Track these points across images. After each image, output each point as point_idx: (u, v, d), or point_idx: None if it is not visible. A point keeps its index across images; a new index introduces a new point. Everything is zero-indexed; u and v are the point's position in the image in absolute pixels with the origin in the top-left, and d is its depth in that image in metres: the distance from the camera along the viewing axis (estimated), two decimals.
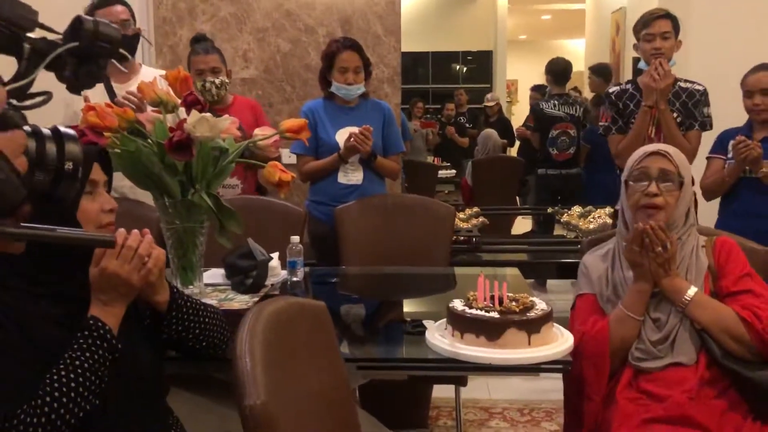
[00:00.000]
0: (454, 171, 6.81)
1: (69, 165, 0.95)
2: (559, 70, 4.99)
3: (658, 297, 1.75)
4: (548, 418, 3.04)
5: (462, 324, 1.56)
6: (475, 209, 4.01)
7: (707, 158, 2.91)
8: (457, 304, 1.61)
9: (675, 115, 2.81)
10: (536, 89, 6.58)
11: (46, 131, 0.94)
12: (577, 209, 3.99)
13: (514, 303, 1.58)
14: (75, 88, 1.01)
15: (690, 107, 2.83)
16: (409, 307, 2.23)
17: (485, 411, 3.11)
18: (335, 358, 1.33)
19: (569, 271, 3.70)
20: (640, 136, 2.82)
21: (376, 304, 2.24)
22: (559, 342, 1.57)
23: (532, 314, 1.55)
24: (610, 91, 2.99)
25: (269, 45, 3.87)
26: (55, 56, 0.96)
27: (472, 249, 3.33)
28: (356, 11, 3.84)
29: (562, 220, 3.91)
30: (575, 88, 6.92)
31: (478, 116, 8.28)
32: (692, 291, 1.71)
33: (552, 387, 2.74)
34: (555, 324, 1.62)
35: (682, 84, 2.85)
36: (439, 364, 1.55)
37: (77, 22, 0.99)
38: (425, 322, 1.71)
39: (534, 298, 1.64)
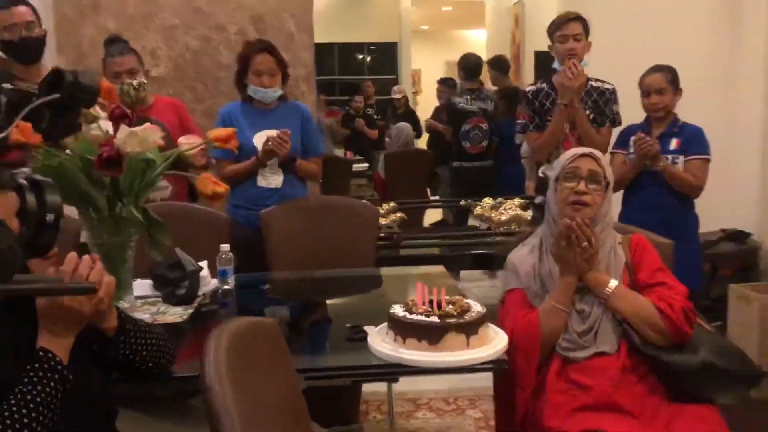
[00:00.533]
0: (366, 164, 6.86)
1: (50, 216, 0.93)
2: (470, 65, 5.13)
3: (582, 290, 1.87)
4: (472, 405, 3.16)
5: (404, 329, 1.61)
6: (392, 204, 4.08)
7: (610, 153, 3.09)
8: (398, 310, 1.67)
9: (588, 112, 2.96)
10: (444, 82, 6.71)
11: (23, 181, 0.91)
12: (488, 201, 4.13)
13: (451, 306, 1.65)
14: (51, 138, 0.98)
15: (601, 105, 2.99)
16: (344, 311, 2.27)
17: (412, 402, 3.19)
18: (290, 371, 1.36)
19: (483, 262, 3.87)
20: (557, 133, 2.96)
21: (312, 309, 2.26)
22: (495, 342, 1.65)
23: (469, 317, 1.62)
24: (527, 90, 3.12)
25: (178, 43, 3.77)
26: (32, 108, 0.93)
27: (394, 245, 3.41)
28: (269, 9, 3.80)
29: (475, 212, 4.05)
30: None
31: (386, 108, 8.37)
32: (613, 284, 1.84)
33: (475, 375, 2.86)
34: (489, 324, 1.70)
35: (594, 83, 3.00)
36: (384, 369, 1.60)
37: (57, 75, 0.95)
38: (366, 328, 1.75)
39: (468, 300, 1.71)
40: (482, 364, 1.58)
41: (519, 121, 3.16)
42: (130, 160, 1.71)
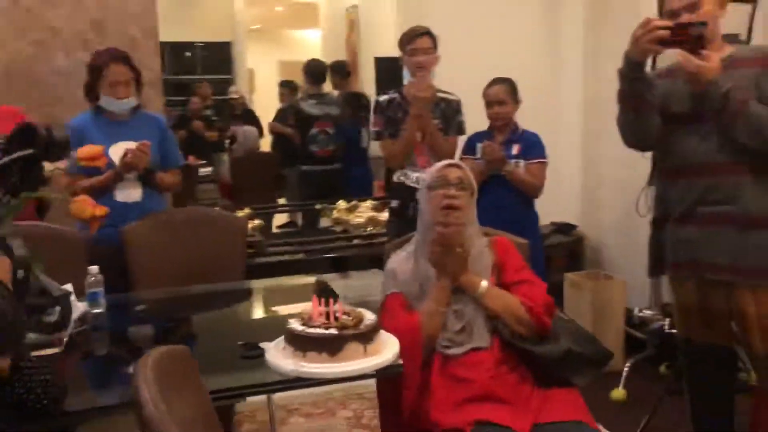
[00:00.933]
0: (210, 168, 6.71)
1: (21, 273, 0.88)
2: (316, 71, 5.21)
3: (457, 291, 2.03)
4: (342, 406, 3.27)
5: (304, 343, 1.66)
6: (248, 210, 4.07)
7: (460, 159, 3.32)
8: (296, 325, 1.71)
9: (437, 121, 3.14)
10: (285, 85, 6.72)
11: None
12: (342, 204, 4.25)
13: (347, 317, 1.73)
14: (17, 192, 0.91)
15: (448, 115, 3.19)
16: (228, 326, 2.26)
17: (283, 409, 3.23)
18: (204, 392, 1.37)
19: (341, 264, 3.97)
20: (410, 141, 3.11)
21: (197, 328, 2.23)
22: (389, 348, 1.75)
23: (365, 326, 1.71)
24: (380, 99, 3.24)
25: (5, 48, 3.48)
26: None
27: (259, 254, 3.42)
28: (109, 12, 3.62)
29: (332, 216, 4.15)
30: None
31: (224, 109, 8.20)
32: (484, 284, 2.02)
33: None
34: (381, 330, 1.80)
35: (441, 94, 3.19)
36: (287, 384, 1.65)
37: (29, 129, 0.89)
38: (262, 345, 1.78)
39: (361, 310, 1.80)
40: (381, 369, 1.67)
41: (373, 129, 3.29)
42: None
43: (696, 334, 2.34)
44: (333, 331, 1.66)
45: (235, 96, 7.83)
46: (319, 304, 1.73)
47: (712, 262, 2.17)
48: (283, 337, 1.76)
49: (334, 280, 4.21)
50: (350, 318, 1.72)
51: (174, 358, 1.27)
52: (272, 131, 6.55)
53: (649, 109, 2.20)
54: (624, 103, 2.24)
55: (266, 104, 10.02)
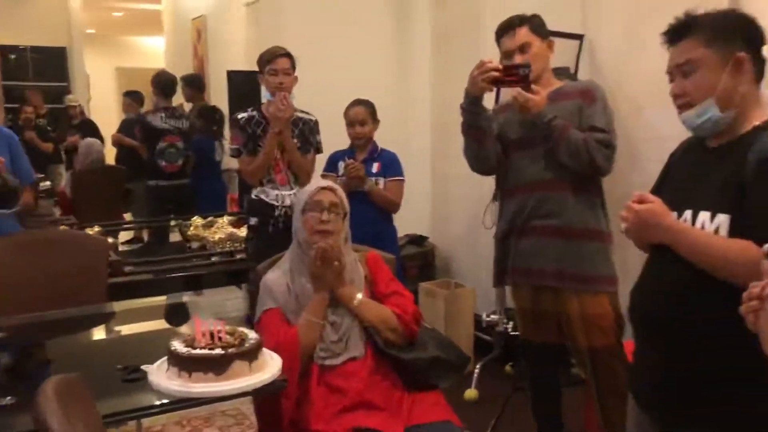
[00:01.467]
0: (48, 182, 6.28)
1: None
2: (165, 83, 5.09)
3: (333, 303, 2.14)
4: (207, 424, 3.24)
5: (189, 364, 1.68)
6: (97, 228, 3.88)
7: (321, 176, 3.43)
8: (179, 346, 1.73)
9: (295, 140, 3.23)
10: (130, 95, 6.47)
11: None
12: (198, 220, 4.18)
13: (231, 337, 1.77)
14: None
15: (306, 134, 3.29)
16: (98, 351, 2.20)
17: (148, 431, 3.15)
18: (97, 418, 1.36)
19: (198, 282, 3.91)
20: (269, 158, 3.18)
21: (67, 354, 2.15)
22: (273, 364, 1.81)
23: (249, 345, 1.76)
24: (239, 117, 3.27)
25: None
26: None
27: (115, 274, 3.29)
28: None
29: (189, 233, 4.06)
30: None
31: (60, 118, 7.72)
32: (359, 296, 2.15)
33: None
34: (264, 348, 1.86)
35: (300, 114, 3.29)
36: (175, 405, 1.66)
37: None
38: (144, 367, 1.77)
39: (243, 329, 1.85)
40: (267, 385, 1.73)
41: (233, 146, 3.31)
42: None
43: (531, 335, 2.63)
44: (218, 351, 1.70)
45: (73, 104, 7.40)
46: (201, 325, 1.76)
47: (542, 270, 2.48)
48: (165, 359, 1.76)
49: (191, 298, 4.16)
50: (233, 337, 1.76)
51: (71, 386, 1.26)
52: (116, 143, 6.28)
53: (489, 139, 2.53)
54: (467, 135, 2.58)
55: (103, 113, 9.54)
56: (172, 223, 4.26)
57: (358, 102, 3.45)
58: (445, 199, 4.64)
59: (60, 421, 1.06)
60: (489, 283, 3.99)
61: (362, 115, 3.40)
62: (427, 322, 3.80)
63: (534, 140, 2.45)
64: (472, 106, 2.49)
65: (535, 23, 2.51)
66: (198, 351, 1.70)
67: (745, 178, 1.41)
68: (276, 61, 3.15)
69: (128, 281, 3.39)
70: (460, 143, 4.37)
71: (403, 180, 3.45)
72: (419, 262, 4.42)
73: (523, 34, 2.48)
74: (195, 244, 4.10)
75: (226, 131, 5.36)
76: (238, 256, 3.91)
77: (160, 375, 1.72)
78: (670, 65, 1.58)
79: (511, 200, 2.58)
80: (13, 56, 8.86)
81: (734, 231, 1.40)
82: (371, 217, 3.32)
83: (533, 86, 2.40)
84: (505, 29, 2.51)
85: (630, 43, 3.15)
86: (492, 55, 3.65)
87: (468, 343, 3.78)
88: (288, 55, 3.19)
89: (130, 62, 11.81)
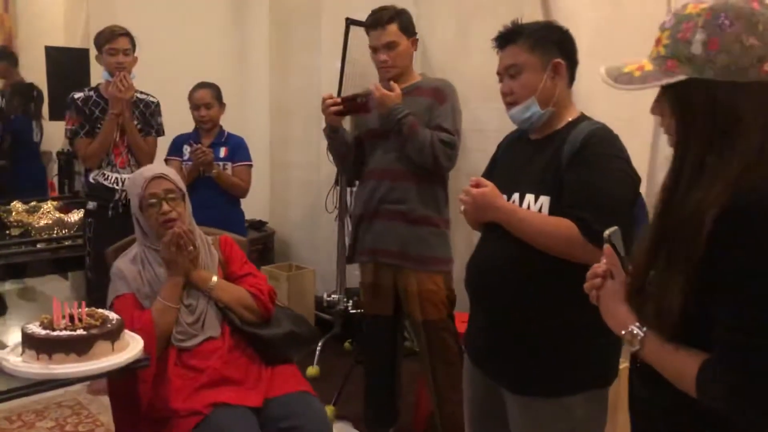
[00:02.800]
0: None
1: None
2: None
3: (188, 286, 2.19)
4: (40, 417, 3.11)
5: (49, 346, 1.67)
6: None
7: (165, 160, 3.40)
8: (36, 329, 1.71)
9: (135, 122, 3.18)
10: None
11: None
12: (19, 206, 3.94)
13: (91, 318, 1.78)
14: None
15: (147, 116, 3.24)
16: None
17: None
18: None
19: (19, 271, 3.72)
20: (108, 140, 3.11)
21: None
22: (135, 344, 1.84)
23: (110, 325, 1.78)
24: (76, 96, 3.14)
25: None
26: None
27: None
28: None
29: (11, 219, 3.82)
30: None
31: None
32: (214, 278, 2.21)
33: None
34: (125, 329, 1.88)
35: (140, 95, 3.23)
36: (36, 387, 1.65)
37: None
38: None
39: (103, 311, 1.85)
40: (131, 363, 1.76)
41: (69, 127, 3.19)
42: None
43: (370, 307, 2.87)
44: (81, 331, 1.71)
45: None
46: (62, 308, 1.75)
47: (387, 250, 2.71)
48: (18, 343, 1.73)
49: (11, 288, 3.93)
50: (94, 318, 1.77)
51: None
52: None
53: (349, 154, 2.87)
54: (330, 151, 2.98)
55: None
56: None
57: (203, 85, 3.44)
58: (285, 185, 4.74)
59: None
60: (328, 265, 4.21)
61: (207, 98, 3.40)
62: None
63: (388, 132, 2.65)
64: (331, 133, 2.79)
65: (405, 21, 2.66)
66: (59, 332, 1.69)
67: (561, 165, 1.68)
68: (115, 41, 3.08)
69: None
70: (299, 131, 4.56)
71: (251, 165, 3.50)
72: (259, 246, 4.48)
73: (392, 32, 2.62)
74: (16, 231, 3.87)
75: (44, 111, 5.04)
76: (67, 243, 3.76)
77: (16, 359, 1.69)
78: (500, 67, 1.82)
79: (365, 185, 2.78)
80: None
81: (554, 209, 1.66)
82: (219, 202, 3.34)
83: (391, 83, 2.62)
84: (375, 24, 2.65)
85: (459, 44, 3.45)
86: (332, 44, 3.85)
87: (310, 321, 3.92)
88: (128, 35, 3.13)
89: None
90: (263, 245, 4.51)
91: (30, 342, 1.70)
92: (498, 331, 1.75)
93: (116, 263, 2.23)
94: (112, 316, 1.84)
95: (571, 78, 1.81)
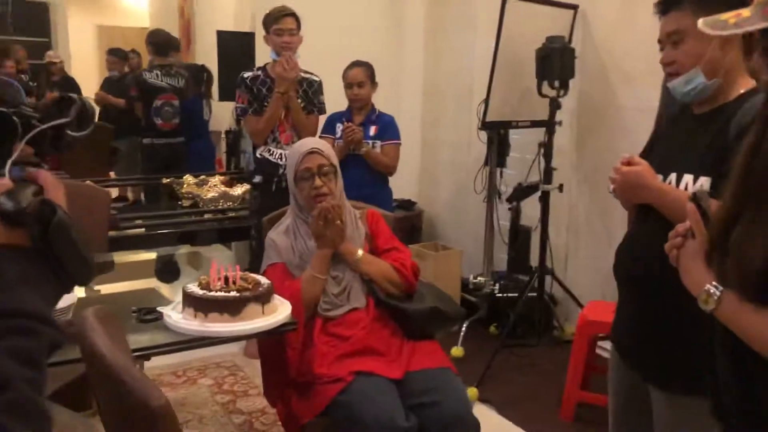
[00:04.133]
0: None
1: None
2: (161, 41, 5.09)
3: (335, 259, 2.25)
4: (202, 375, 3.37)
5: (206, 305, 1.80)
6: (89, 182, 3.96)
7: (319, 137, 3.52)
8: (195, 289, 1.84)
9: (299, 100, 3.29)
10: (114, 53, 6.46)
11: None
12: (190, 179, 4.26)
13: (244, 282, 1.89)
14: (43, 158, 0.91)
15: (310, 95, 3.35)
16: (105, 296, 2.30)
17: None
18: (128, 347, 1.48)
19: (189, 238, 4.02)
20: (274, 118, 3.24)
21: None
22: (283, 308, 1.94)
23: (262, 289, 1.88)
24: (245, 76, 3.31)
25: None
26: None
27: (112, 227, 3.38)
28: None
29: (182, 191, 4.15)
30: (133, 50, 6.96)
31: (41, 74, 7.65)
32: (360, 252, 2.26)
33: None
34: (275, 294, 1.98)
35: (304, 74, 3.34)
36: (192, 343, 1.78)
37: (68, 100, 0.91)
38: (159, 309, 1.89)
39: (255, 275, 1.97)
40: (278, 326, 1.85)
41: (239, 105, 3.34)
42: None
43: None
44: (233, 293, 1.82)
45: (54, 60, 7.34)
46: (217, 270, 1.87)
47: None
48: (179, 302, 1.88)
49: (181, 253, 4.22)
50: (247, 282, 1.89)
51: (106, 315, 1.37)
52: (100, 101, 6.27)
53: None
54: None
55: (83, 71, 9.43)
56: (165, 180, 4.31)
57: (356, 63, 3.50)
58: (434, 165, 4.76)
59: (105, 343, 1.17)
60: (475, 247, 4.19)
61: (360, 77, 3.45)
62: None
63: None
64: None
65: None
66: (214, 293, 1.82)
67: (726, 143, 1.54)
68: (282, 20, 3.19)
69: (124, 235, 3.50)
70: (450, 110, 4.55)
71: (399, 143, 3.51)
72: (407, 226, 4.54)
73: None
74: (186, 202, 4.20)
75: (214, 91, 5.41)
76: (231, 215, 4.03)
77: (177, 316, 1.84)
78: (661, 34, 1.68)
79: None
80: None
81: (715, 192, 1.53)
82: (367, 180, 3.40)
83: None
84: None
85: (623, 16, 3.26)
86: (487, 22, 3.79)
87: (455, 300, 3.92)
88: (294, 15, 3.23)
89: (112, 21, 11.65)
90: (411, 224, 4.56)
91: (189, 301, 1.83)
92: (646, 323, 1.63)
93: (270, 234, 2.34)
94: (264, 280, 1.94)
95: (748, 46, 1.64)
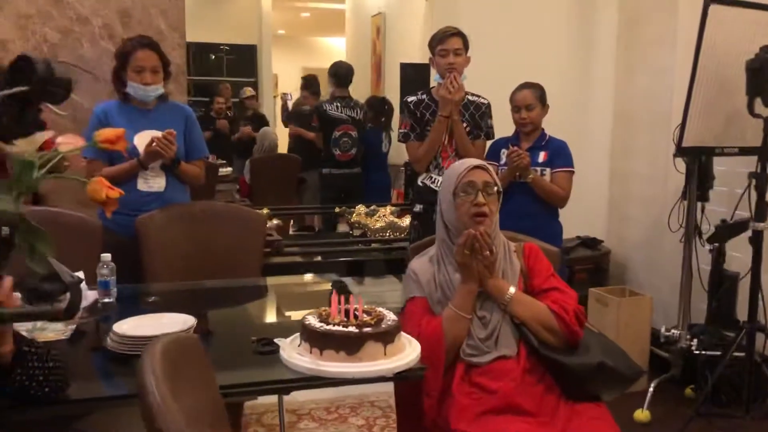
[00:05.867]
0: (230, 168, 6.68)
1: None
2: (342, 73, 5.14)
3: (482, 296, 1.93)
4: (354, 413, 3.17)
5: (321, 340, 1.57)
6: (266, 210, 4.00)
7: None
8: (313, 321, 1.63)
9: (464, 125, 3.06)
10: (308, 87, 6.66)
11: None
12: (362, 208, 4.16)
13: (367, 316, 1.64)
14: (10, 136, 0.82)
15: (477, 118, 3.11)
16: (242, 322, 2.20)
17: (293, 413, 3.13)
18: (214, 385, 1.29)
19: (357, 269, 3.90)
20: (436, 143, 3.03)
21: (210, 322, 2.14)
22: (410, 350, 1.65)
23: (385, 326, 1.61)
24: (409, 100, 3.16)
25: (34, 34, 3.45)
26: None
27: (275, 252, 3.36)
28: (136, 3, 3.58)
29: (351, 220, 4.06)
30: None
31: (238, 111, 8.19)
32: (512, 290, 1.92)
33: None
34: (402, 332, 1.71)
35: (470, 97, 3.11)
36: (303, 383, 1.56)
37: (26, 62, 0.80)
38: (276, 340, 1.70)
39: (381, 309, 1.71)
40: (401, 372, 1.57)
41: (401, 130, 3.19)
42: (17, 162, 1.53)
43: None
44: (352, 329, 1.57)
45: (248, 96, 7.77)
46: (339, 301, 1.64)
47: None
48: (298, 334, 1.67)
49: (349, 284, 4.16)
50: (370, 317, 1.63)
51: (183, 346, 1.19)
52: (293, 134, 6.48)
53: None
54: None
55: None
56: (337, 209, 4.26)
57: (526, 85, 3.18)
58: (624, 199, 4.25)
59: (156, 381, 0.97)
60: (669, 294, 3.62)
61: (530, 99, 3.14)
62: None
63: None
64: None
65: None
66: (331, 327, 1.58)
67: None
68: (447, 41, 3.00)
69: (286, 261, 3.46)
70: (644, 138, 4.03)
71: (572, 171, 3.13)
72: (590, 267, 4.07)
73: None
74: (357, 232, 4.11)
75: (395, 123, 5.34)
76: (397, 245, 3.85)
77: (292, 350, 1.63)
78: None
79: None
80: (212, 56, 9.58)
81: None
82: (532, 210, 3.07)
83: None
84: None
85: None
86: (688, 37, 3.28)
87: (642, 358, 3.39)
88: (460, 35, 3.03)
89: (316, 62, 12.31)
90: (595, 265, 4.08)
91: (306, 333, 1.62)
92: None
93: (411, 264, 2.09)
94: (390, 316, 1.68)
95: None
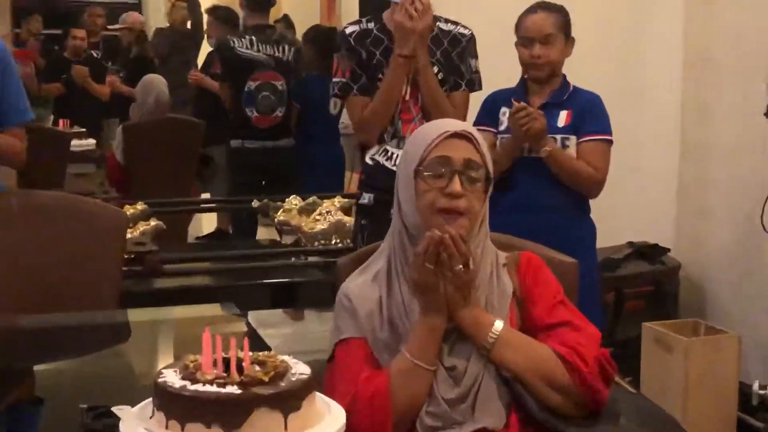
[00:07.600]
0: (92, 141, 6.67)
1: None
2: None
3: (453, 336, 1.95)
4: None
5: (183, 408, 1.56)
6: (141, 206, 4.01)
7: None
8: (171, 377, 1.61)
9: (435, 69, 3.12)
10: (214, 12, 6.67)
11: None
12: (294, 201, 4.20)
13: (259, 368, 1.62)
14: None
15: (454, 58, 3.17)
16: (76, 382, 2.24)
17: None
18: None
19: (285, 296, 3.93)
20: (393, 99, 3.10)
21: (18, 380, 2.18)
22: (330, 421, 1.64)
23: (287, 384, 1.60)
24: (348, 31, 3.21)
25: None
26: None
27: (148, 273, 3.36)
28: None
29: (276, 218, 4.09)
30: (285, 17, 7.20)
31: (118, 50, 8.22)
32: (499, 325, 1.93)
33: None
34: (316, 393, 1.70)
35: (443, 25, 3.17)
36: None
37: None
38: (116, 410, 1.68)
39: (286, 357, 1.70)
40: None
41: (336, 79, 3.24)
42: None
43: None
44: (233, 389, 1.56)
45: (128, 26, 7.81)
46: (213, 346, 1.63)
47: None
48: (151, 399, 1.66)
49: (276, 322, 4.19)
50: (263, 370, 1.62)
51: None
52: (197, 85, 6.47)
53: None
54: None
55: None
56: (254, 203, 4.29)
57: (541, 5, 3.26)
58: (701, 185, 4.39)
59: None
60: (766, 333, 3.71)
61: (546, 28, 3.19)
62: (653, 388, 3.56)
63: None
64: None
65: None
66: (199, 387, 1.57)
67: None
68: None
69: (170, 287, 3.47)
70: (731, 93, 4.12)
71: (609, 140, 3.21)
72: (649, 289, 4.17)
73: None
74: (288, 238, 4.15)
75: None
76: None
77: (138, 424, 1.62)
78: None
79: None
80: None
81: None
82: (549, 202, 3.19)
83: None
84: None
85: None
86: None
87: (725, 425, 3.52)
88: None
89: None
90: (655, 286, 4.17)
91: (160, 397, 1.60)
92: None
93: (345, 286, 2.11)
94: (299, 368, 1.67)
95: None
